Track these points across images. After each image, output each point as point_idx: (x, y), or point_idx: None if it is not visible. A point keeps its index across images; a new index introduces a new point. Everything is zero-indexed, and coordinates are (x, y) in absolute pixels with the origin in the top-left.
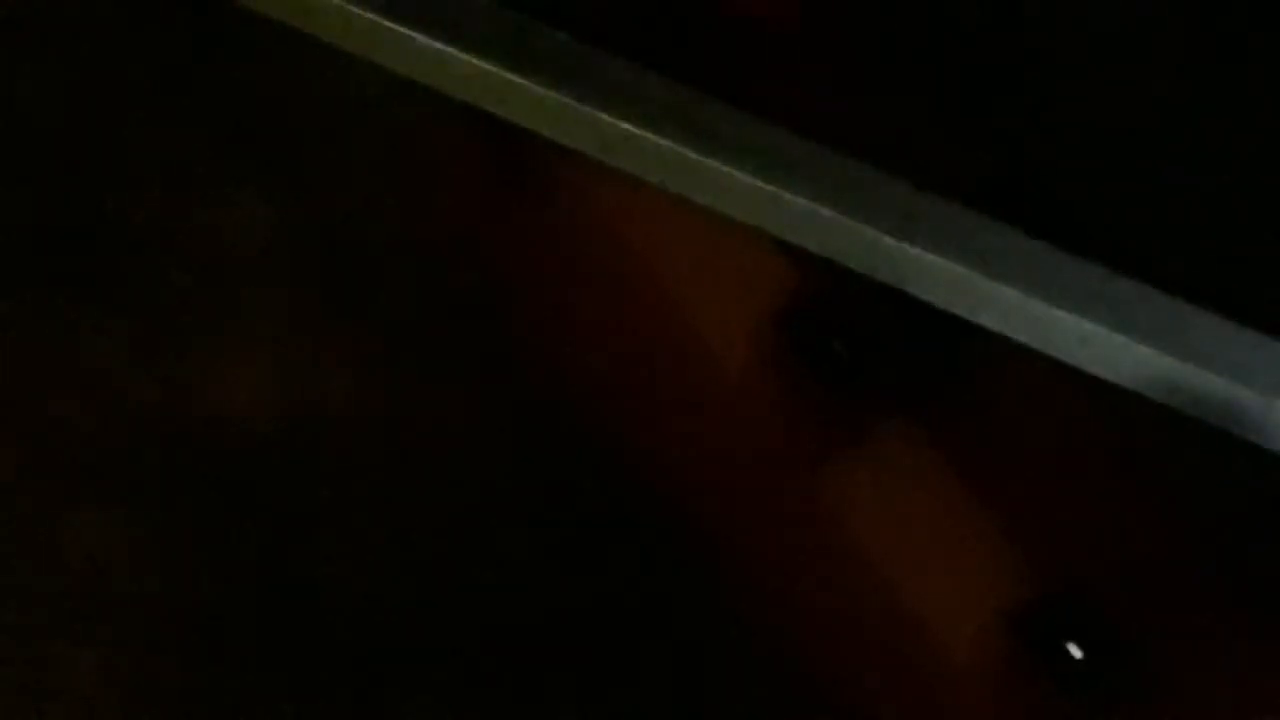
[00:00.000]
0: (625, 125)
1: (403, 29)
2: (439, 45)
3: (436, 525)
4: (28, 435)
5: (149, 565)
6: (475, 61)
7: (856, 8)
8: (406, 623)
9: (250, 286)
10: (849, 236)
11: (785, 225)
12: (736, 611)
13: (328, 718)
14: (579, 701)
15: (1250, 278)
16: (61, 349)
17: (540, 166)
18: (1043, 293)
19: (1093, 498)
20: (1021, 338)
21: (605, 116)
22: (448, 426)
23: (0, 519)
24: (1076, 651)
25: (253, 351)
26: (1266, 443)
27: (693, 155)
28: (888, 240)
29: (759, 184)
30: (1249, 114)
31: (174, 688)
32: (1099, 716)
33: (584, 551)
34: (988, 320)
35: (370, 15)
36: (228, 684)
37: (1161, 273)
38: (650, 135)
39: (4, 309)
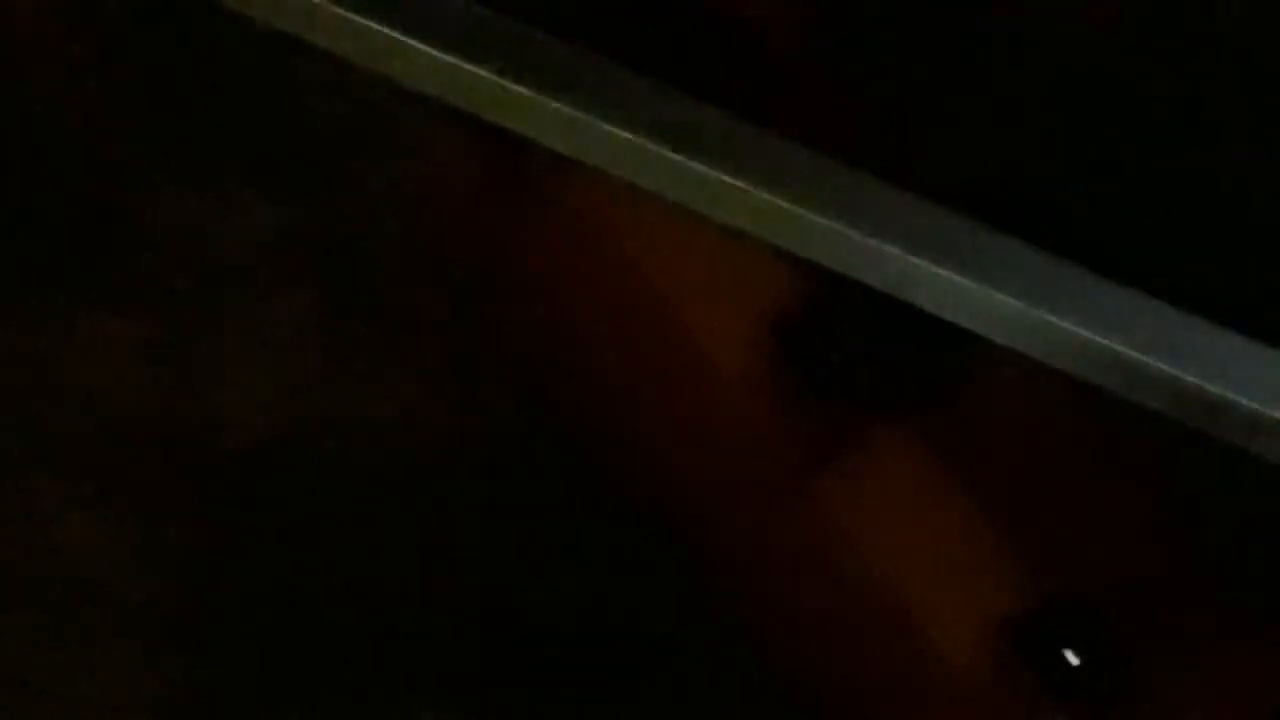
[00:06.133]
0: (624, 134)
1: (404, 38)
2: (440, 55)
3: (437, 526)
4: (28, 435)
5: (149, 565)
6: (476, 71)
7: (854, 16)
8: (408, 623)
9: (252, 288)
10: (846, 244)
11: (781, 233)
12: (734, 616)
13: (329, 718)
14: (580, 702)
15: (1247, 287)
16: (62, 349)
17: (540, 174)
18: (1040, 301)
19: (1090, 506)
20: (1018, 345)
21: (604, 125)
22: (448, 429)
23: (0, 519)
24: (1073, 658)
25: (254, 352)
26: (1262, 451)
27: (690, 163)
28: (885, 248)
29: (756, 192)
30: (1245, 121)
31: (174, 688)
32: None
33: (584, 556)
34: (984, 328)
35: (372, 24)
36: (228, 685)
37: (1159, 282)
38: (648, 144)
39: (5, 308)
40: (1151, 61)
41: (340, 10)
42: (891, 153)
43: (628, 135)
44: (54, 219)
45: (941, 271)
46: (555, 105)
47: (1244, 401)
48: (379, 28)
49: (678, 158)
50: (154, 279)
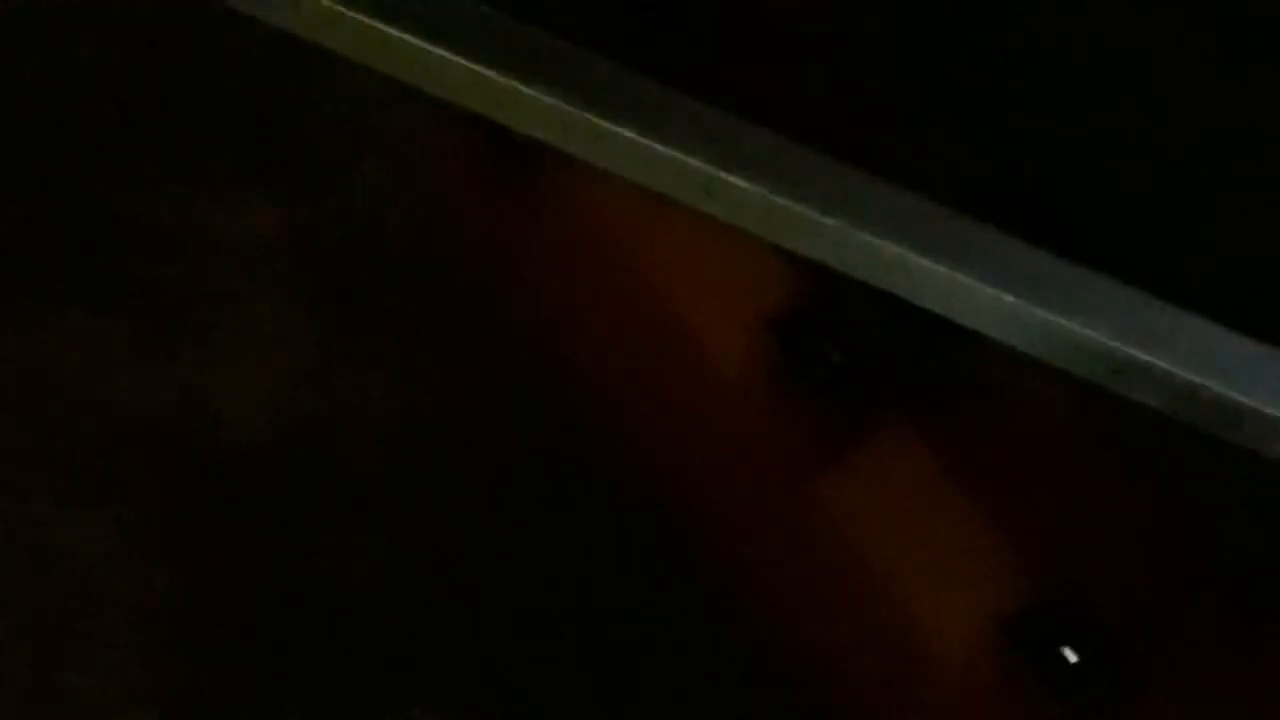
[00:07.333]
0: (624, 132)
1: (402, 35)
2: (438, 51)
3: (436, 525)
4: (27, 435)
5: (149, 565)
6: (474, 68)
7: (854, 13)
8: (408, 622)
9: (252, 287)
10: (844, 242)
11: (781, 230)
12: (733, 614)
13: (329, 718)
14: (579, 702)
15: (1247, 285)
16: (62, 349)
17: (539, 170)
18: (1038, 299)
19: (1088, 504)
20: (1018, 343)
21: (604, 123)
22: (448, 427)
23: None
24: (1071, 656)
25: (254, 352)
26: (1262, 450)
27: (689, 161)
28: (883, 246)
29: (755, 190)
30: (1246, 120)
31: (174, 688)
32: None
33: (583, 555)
34: (983, 326)
35: (370, 21)
36: (228, 684)
37: (1159, 280)
38: (648, 142)
39: (4, 308)
40: (1152, 59)
41: (341, 9)
42: (891, 152)
43: (627, 133)
44: (52, 219)
45: (942, 270)
46: (555, 103)
47: (1244, 401)
48: (379, 26)
49: (677, 156)
50: (152, 279)
